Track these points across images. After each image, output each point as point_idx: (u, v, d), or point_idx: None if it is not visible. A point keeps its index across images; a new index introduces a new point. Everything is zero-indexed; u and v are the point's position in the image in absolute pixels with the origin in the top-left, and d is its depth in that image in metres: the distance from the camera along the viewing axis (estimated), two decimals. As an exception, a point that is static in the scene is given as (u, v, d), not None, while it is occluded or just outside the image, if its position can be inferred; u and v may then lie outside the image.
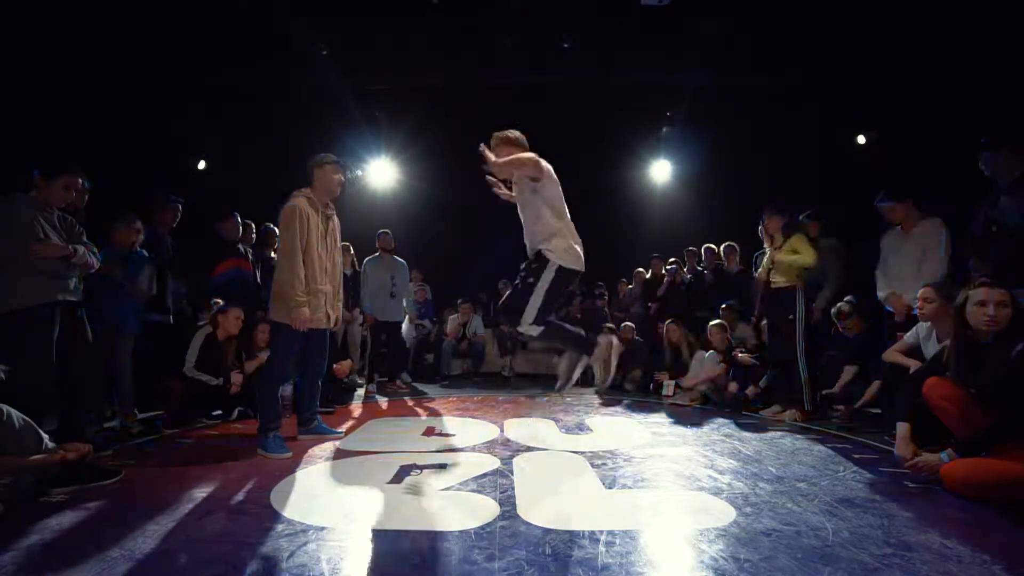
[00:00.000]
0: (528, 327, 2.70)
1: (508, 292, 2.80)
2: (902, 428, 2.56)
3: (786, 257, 3.95)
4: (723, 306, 5.28)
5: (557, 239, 2.72)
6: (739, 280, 5.67)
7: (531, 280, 2.68)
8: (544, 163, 2.75)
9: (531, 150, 2.86)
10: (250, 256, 4.83)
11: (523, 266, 2.80)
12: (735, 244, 5.91)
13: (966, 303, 2.42)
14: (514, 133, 2.98)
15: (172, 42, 5.19)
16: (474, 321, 6.96)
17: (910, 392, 2.63)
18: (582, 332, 2.86)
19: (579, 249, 2.79)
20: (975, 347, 2.41)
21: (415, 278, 7.49)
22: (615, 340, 2.95)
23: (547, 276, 2.68)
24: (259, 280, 4.97)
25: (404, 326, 6.22)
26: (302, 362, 3.31)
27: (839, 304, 4.10)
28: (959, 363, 2.46)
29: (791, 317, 3.96)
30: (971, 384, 2.43)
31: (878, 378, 3.65)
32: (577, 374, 2.89)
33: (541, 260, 2.71)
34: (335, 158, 3.26)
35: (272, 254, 5.26)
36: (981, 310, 2.36)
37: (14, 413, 2.22)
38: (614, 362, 2.89)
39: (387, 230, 5.87)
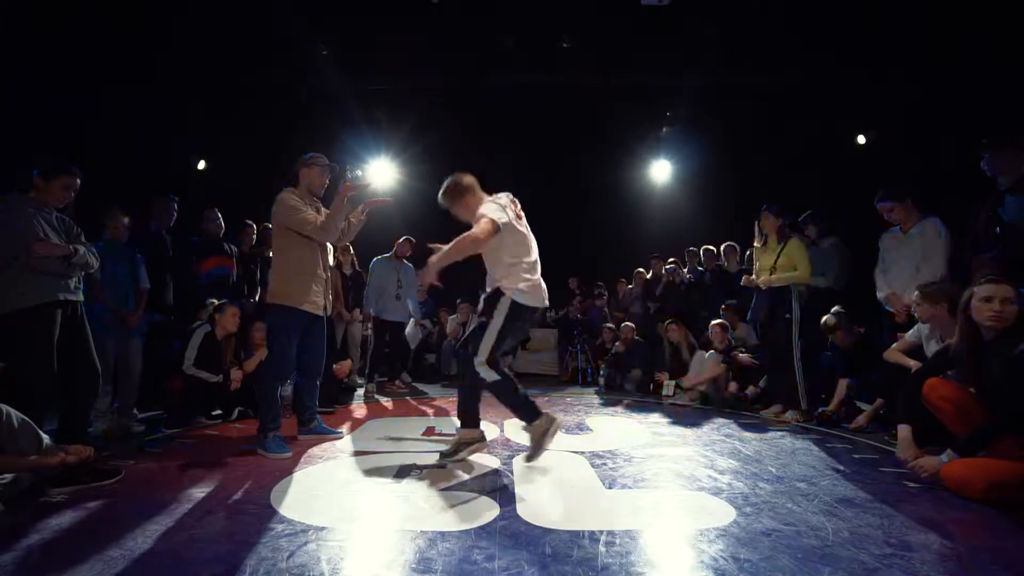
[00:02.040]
0: (482, 367, 2.69)
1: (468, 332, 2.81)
2: (904, 430, 2.55)
3: (783, 275, 3.96)
4: (723, 306, 5.28)
5: (511, 278, 2.69)
6: (739, 280, 5.67)
7: (484, 319, 2.73)
8: (497, 216, 2.61)
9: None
10: (234, 254, 4.80)
11: (480, 303, 2.83)
12: (735, 244, 5.92)
13: (971, 299, 2.39)
14: (466, 180, 2.95)
15: (172, 42, 5.19)
16: (474, 321, 6.95)
17: (911, 392, 2.62)
18: (531, 400, 2.76)
19: (533, 286, 2.72)
20: (980, 345, 2.39)
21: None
22: (558, 423, 2.75)
23: (501, 311, 2.67)
24: (261, 279, 4.98)
25: (408, 329, 6.21)
26: (301, 362, 3.30)
27: (825, 317, 4.07)
28: (963, 361, 2.44)
29: (787, 316, 3.96)
30: (975, 382, 2.42)
31: (879, 392, 3.64)
32: (548, 443, 2.71)
33: (496, 295, 2.71)
34: (323, 159, 3.26)
35: (271, 253, 5.26)
36: (987, 306, 2.32)
37: (13, 413, 2.22)
38: (548, 442, 2.69)
39: (410, 237, 5.77)
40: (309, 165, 3.22)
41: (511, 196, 2.88)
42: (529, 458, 2.72)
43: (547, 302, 2.85)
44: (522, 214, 2.86)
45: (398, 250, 5.74)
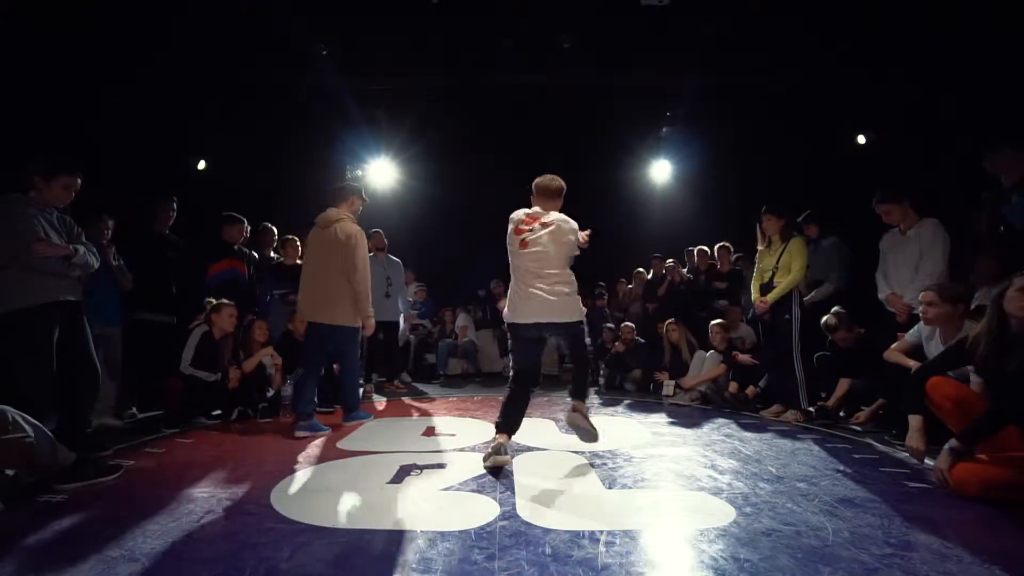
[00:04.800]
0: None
1: None
2: (915, 420, 2.56)
3: (778, 290, 3.93)
4: (727, 303, 5.28)
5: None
6: (730, 279, 5.70)
7: None
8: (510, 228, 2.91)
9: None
10: (246, 257, 4.83)
11: None
12: (728, 244, 5.93)
13: (1007, 290, 2.37)
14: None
15: (172, 42, 5.18)
16: (461, 319, 6.97)
17: (917, 386, 2.62)
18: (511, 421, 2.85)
19: (516, 302, 2.84)
20: (1006, 337, 2.37)
21: (409, 279, 7.49)
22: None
23: None
24: (256, 279, 4.99)
25: (400, 327, 6.20)
26: (310, 360, 3.68)
27: (826, 317, 4.06)
28: (986, 352, 2.42)
29: (787, 317, 3.96)
30: (993, 374, 2.41)
31: (881, 393, 3.64)
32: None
33: None
34: (360, 188, 3.93)
35: (271, 253, 5.30)
36: (1023, 296, 2.31)
37: (10, 411, 2.20)
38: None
39: (379, 230, 5.77)
40: (358, 192, 3.86)
41: (530, 211, 2.96)
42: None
43: (530, 317, 2.80)
44: (525, 228, 2.87)
45: (377, 244, 5.63)
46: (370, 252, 5.62)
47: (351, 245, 3.55)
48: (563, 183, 3.01)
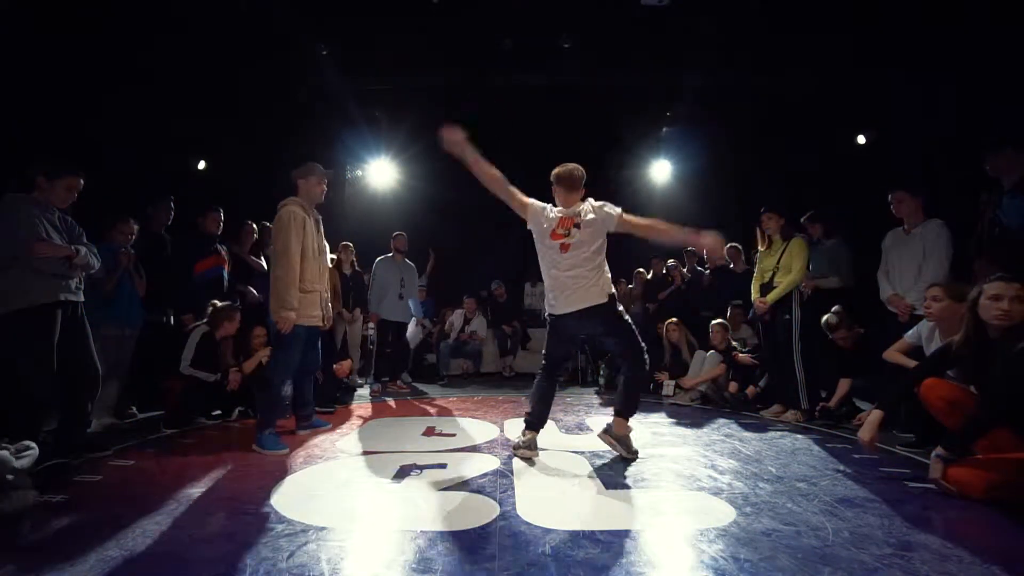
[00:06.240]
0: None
1: None
2: (876, 415, 2.58)
3: (778, 290, 3.94)
4: (730, 305, 5.28)
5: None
6: (743, 280, 5.68)
7: None
8: (531, 201, 3.01)
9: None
10: (226, 254, 4.80)
11: None
12: (738, 245, 5.92)
13: (980, 297, 2.38)
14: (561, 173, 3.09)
15: (172, 42, 5.18)
16: (474, 324, 6.96)
17: (904, 386, 2.64)
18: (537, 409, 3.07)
19: (551, 298, 2.97)
20: (985, 343, 2.37)
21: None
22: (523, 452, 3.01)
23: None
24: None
25: (410, 328, 6.23)
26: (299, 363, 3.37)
27: (827, 316, 4.06)
28: (967, 359, 2.42)
29: (787, 317, 3.96)
30: (977, 380, 2.41)
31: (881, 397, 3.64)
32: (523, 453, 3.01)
33: None
34: (319, 168, 3.36)
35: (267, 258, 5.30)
36: (995, 304, 2.31)
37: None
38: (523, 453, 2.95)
39: (403, 233, 5.90)
40: (305, 176, 3.30)
41: (560, 212, 3.00)
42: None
43: (572, 306, 2.87)
44: (562, 233, 2.93)
45: (398, 247, 5.78)
46: (389, 253, 5.74)
47: (277, 228, 3.16)
48: (583, 170, 3.05)
